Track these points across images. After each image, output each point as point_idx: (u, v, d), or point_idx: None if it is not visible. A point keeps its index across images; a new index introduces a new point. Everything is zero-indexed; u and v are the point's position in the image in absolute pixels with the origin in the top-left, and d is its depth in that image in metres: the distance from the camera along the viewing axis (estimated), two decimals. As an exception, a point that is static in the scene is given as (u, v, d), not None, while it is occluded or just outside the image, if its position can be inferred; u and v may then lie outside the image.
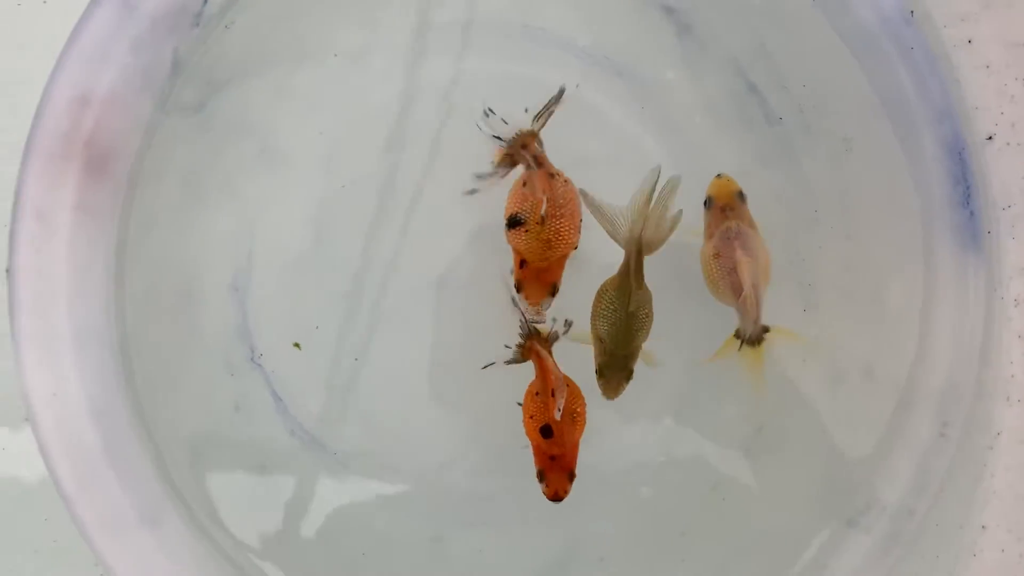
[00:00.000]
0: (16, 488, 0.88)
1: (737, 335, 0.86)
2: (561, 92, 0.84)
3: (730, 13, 0.88)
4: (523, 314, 0.84)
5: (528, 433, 0.83)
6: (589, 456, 0.91)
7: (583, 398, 0.84)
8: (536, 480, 0.84)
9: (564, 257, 0.84)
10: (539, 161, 0.82)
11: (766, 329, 0.85)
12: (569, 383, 0.83)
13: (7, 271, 0.80)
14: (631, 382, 0.85)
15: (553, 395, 0.80)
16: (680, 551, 0.90)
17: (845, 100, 0.84)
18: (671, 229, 0.83)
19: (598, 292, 0.84)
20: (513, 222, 0.82)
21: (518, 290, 0.84)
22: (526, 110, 0.83)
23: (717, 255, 0.84)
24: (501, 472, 0.90)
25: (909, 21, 0.78)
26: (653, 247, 0.83)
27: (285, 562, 0.85)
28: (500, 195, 0.85)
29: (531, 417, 0.82)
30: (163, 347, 0.84)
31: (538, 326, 0.85)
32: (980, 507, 0.78)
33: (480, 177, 0.84)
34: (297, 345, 0.90)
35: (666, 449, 0.92)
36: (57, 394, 0.69)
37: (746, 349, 0.85)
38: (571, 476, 0.83)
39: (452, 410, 0.91)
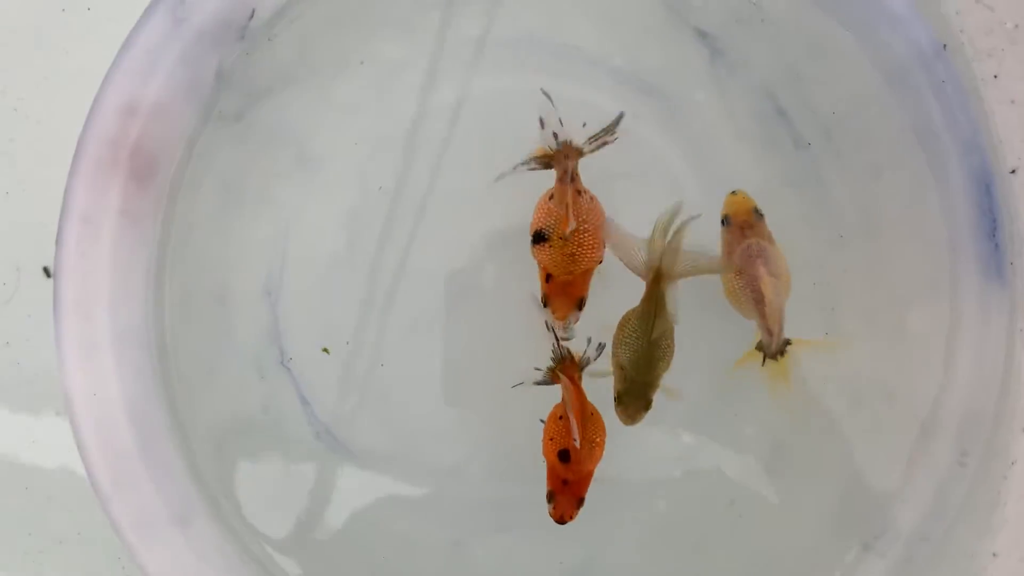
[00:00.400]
0: (43, 479, 0.90)
1: (759, 348, 0.86)
2: (619, 119, 0.84)
3: (763, 38, 0.89)
4: (556, 338, 0.85)
5: (545, 453, 0.84)
6: (607, 467, 0.91)
7: (604, 428, 0.84)
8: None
9: (589, 271, 0.85)
10: (572, 176, 0.83)
11: (788, 342, 0.86)
12: (593, 412, 0.84)
13: (43, 269, 0.82)
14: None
15: (575, 421, 0.81)
16: (695, 566, 0.91)
17: (875, 128, 0.85)
18: (695, 268, 0.83)
19: (621, 320, 0.85)
20: (538, 237, 0.83)
21: (545, 305, 0.85)
22: (584, 125, 0.84)
23: (739, 272, 0.85)
24: (522, 479, 0.91)
25: (941, 55, 0.79)
26: (673, 277, 0.83)
27: (308, 562, 0.86)
28: (527, 208, 0.86)
29: (551, 439, 0.83)
30: (197, 349, 0.86)
31: (570, 350, 0.85)
32: (993, 534, 0.79)
33: (517, 166, 0.84)
34: (326, 350, 0.92)
35: (684, 464, 0.93)
36: (97, 395, 0.71)
37: (769, 363, 0.86)
38: (580, 502, 0.84)
39: (475, 417, 0.93)
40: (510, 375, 0.91)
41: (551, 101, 0.83)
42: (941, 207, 0.82)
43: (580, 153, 0.84)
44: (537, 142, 0.85)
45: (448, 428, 0.93)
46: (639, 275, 0.84)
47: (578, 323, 0.86)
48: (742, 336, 0.88)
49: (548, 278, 0.84)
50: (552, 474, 0.84)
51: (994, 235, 0.80)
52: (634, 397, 0.84)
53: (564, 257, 0.82)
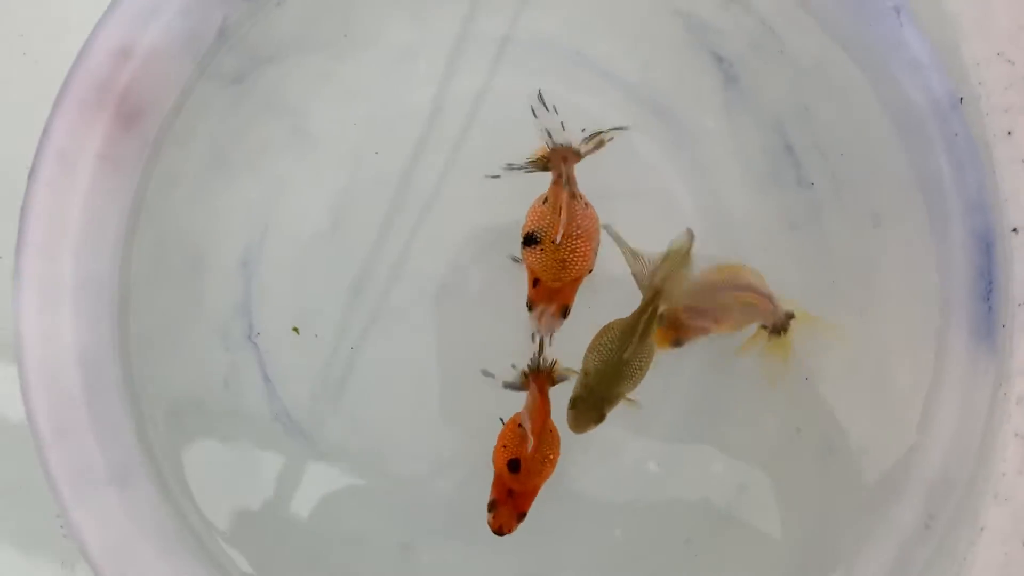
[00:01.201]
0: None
1: (763, 327, 0.85)
2: (620, 128, 0.84)
3: (779, 71, 0.87)
4: (539, 347, 0.84)
5: (495, 459, 0.82)
6: (569, 487, 0.90)
7: (558, 447, 0.83)
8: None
9: (578, 280, 0.83)
10: (568, 179, 0.82)
11: (791, 316, 0.84)
12: (552, 429, 0.82)
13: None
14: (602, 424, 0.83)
15: (531, 432, 0.80)
16: (647, 601, 0.89)
17: (881, 175, 0.83)
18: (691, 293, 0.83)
19: (604, 327, 0.83)
20: (529, 240, 0.81)
21: (530, 309, 0.83)
22: (583, 130, 0.82)
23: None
24: (479, 488, 0.88)
25: (956, 108, 0.77)
26: (672, 300, 0.82)
27: (247, 545, 0.84)
28: (518, 211, 0.84)
29: (504, 446, 0.82)
30: (163, 310, 0.84)
31: (549, 361, 0.84)
32: (961, 564, 0.77)
33: (509, 166, 0.83)
34: (296, 330, 0.90)
35: (646, 494, 0.91)
36: (50, 337, 0.68)
37: (774, 340, 0.85)
38: (521, 516, 0.82)
39: (440, 419, 0.90)
40: (482, 382, 0.89)
41: (544, 104, 0.82)
42: (938, 262, 0.80)
43: (577, 156, 0.83)
44: (537, 144, 0.83)
45: (411, 428, 0.91)
46: (639, 286, 0.82)
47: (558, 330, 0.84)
48: (723, 365, 0.86)
49: (535, 283, 0.82)
50: (498, 482, 0.82)
51: (988, 297, 0.78)
52: (588, 407, 0.82)
53: (554, 263, 0.80)
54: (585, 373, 0.82)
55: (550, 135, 0.82)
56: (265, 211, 0.89)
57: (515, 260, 0.87)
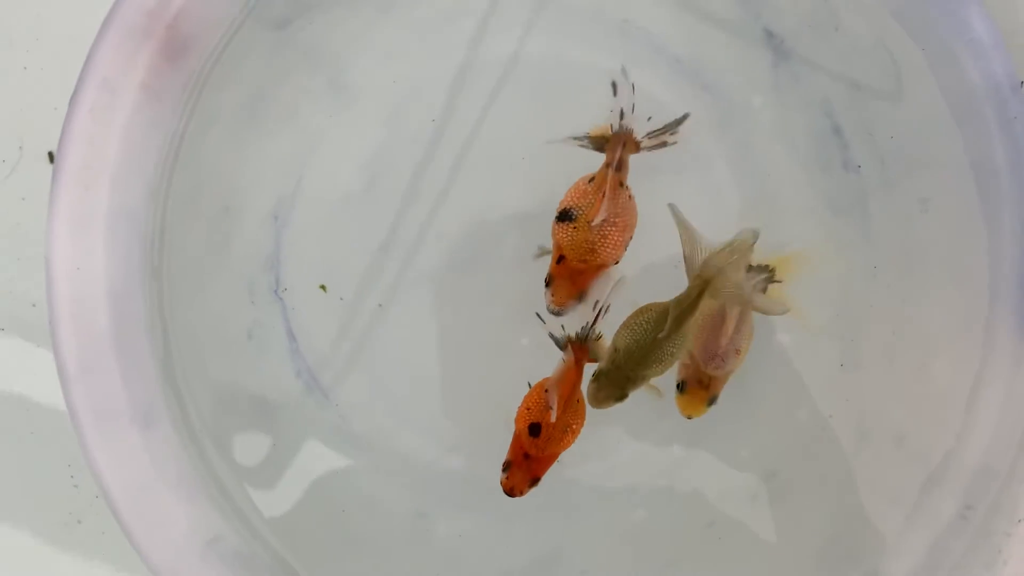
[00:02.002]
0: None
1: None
2: (682, 119, 0.82)
3: (834, 48, 0.86)
4: (554, 339, 0.82)
5: (517, 420, 0.81)
6: (590, 466, 0.89)
7: (583, 420, 0.81)
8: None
9: (603, 267, 0.81)
10: (620, 166, 0.80)
11: (769, 269, 0.83)
12: (579, 399, 0.81)
13: (48, 155, 0.78)
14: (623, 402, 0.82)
15: (557, 397, 0.78)
16: (663, 582, 0.87)
17: (932, 159, 0.81)
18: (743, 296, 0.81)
19: (641, 307, 0.82)
20: (564, 215, 0.80)
21: (547, 284, 0.82)
22: (649, 119, 0.81)
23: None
24: (499, 459, 0.87)
25: (1017, 90, 0.76)
26: (719, 295, 0.80)
27: (263, 494, 0.82)
28: (560, 187, 0.83)
29: (528, 408, 0.80)
30: (193, 253, 0.82)
31: (597, 336, 0.82)
32: (999, 556, 0.75)
33: (571, 138, 0.82)
34: (323, 287, 0.88)
35: (669, 476, 0.89)
36: (81, 269, 0.66)
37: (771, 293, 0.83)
38: (535, 481, 0.81)
39: (463, 388, 0.89)
40: (509, 351, 0.88)
41: (630, 85, 0.80)
42: (988, 251, 0.78)
43: (636, 147, 0.81)
44: (597, 120, 0.82)
45: (433, 395, 0.89)
46: (687, 272, 0.81)
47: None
48: (754, 347, 0.85)
49: (559, 259, 0.81)
50: (516, 444, 0.81)
51: (1040, 288, 0.77)
52: (611, 383, 0.81)
53: (584, 243, 0.79)
54: (615, 349, 0.81)
55: (621, 116, 0.81)
56: (299, 164, 0.87)
57: (541, 253, 0.85)
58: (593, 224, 0.78)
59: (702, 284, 0.80)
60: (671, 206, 0.80)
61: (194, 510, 0.71)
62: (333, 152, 0.88)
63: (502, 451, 0.83)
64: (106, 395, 0.67)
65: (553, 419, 0.78)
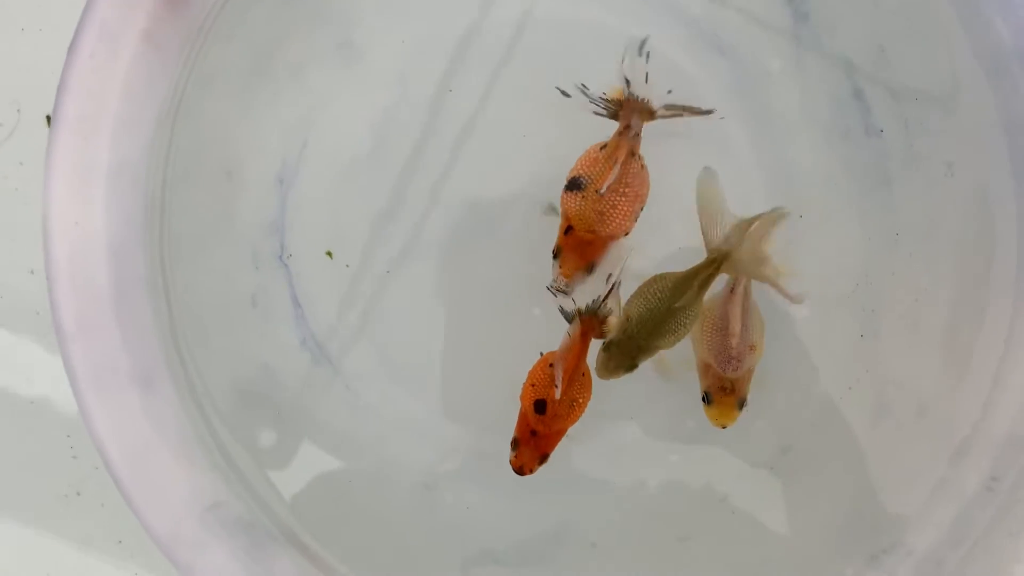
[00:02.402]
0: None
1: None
2: (706, 111, 0.80)
3: (855, 7, 0.83)
4: (563, 313, 0.80)
5: (522, 397, 0.79)
6: (601, 440, 0.86)
7: (589, 393, 0.79)
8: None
9: (612, 238, 0.79)
10: (634, 134, 0.78)
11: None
12: (584, 372, 0.79)
13: (46, 118, 0.76)
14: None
15: (562, 373, 0.76)
16: (677, 557, 0.85)
17: (960, 121, 0.79)
18: (763, 271, 0.79)
19: (654, 276, 0.79)
20: (573, 184, 0.78)
21: (555, 256, 0.79)
22: (669, 91, 0.79)
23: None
24: (506, 430, 0.85)
25: (1048, 47, 0.73)
26: (738, 269, 0.79)
27: (265, 462, 0.80)
28: (565, 151, 0.81)
29: (532, 384, 0.78)
30: (196, 215, 0.80)
31: (605, 311, 0.80)
32: (1013, 562, 0.72)
33: (583, 89, 0.79)
34: (329, 254, 0.86)
35: (683, 450, 0.87)
36: (79, 224, 0.64)
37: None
38: (544, 458, 0.79)
39: (472, 358, 0.87)
40: (517, 322, 0.86)
41: (646, 54, 0.78)
42: (1018, 215, 0.76)
43: (651, 115, 0.79)
44: (613, 84, 0.79)
45: (441, 364, 0.87)
46: (705, 243, 0.79)
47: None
48: (769, 318, 0.82)
49: (568, 230, 0.79)
50: (523, 422, 0.79)
51: (1072, 253, 0.74)
52: (622, 352, 0.79)
53: (593, 213, 0.77)
54: (627, 318, 0.78)
55: (628, 84, 0.78)
56: (304, 127, 0.85)
57: (548, 211, 0.83)
58: (601, 192, 0.76)
59: (720, 256, 0.78)
60: (707, 171, 0.78)
61: (195, 475, 0.69)
62: (339, 114, 0.85)
63: (510, 421, 0.81)
64: (105, 354, 0.65)
65: (557, 396, 0.76)
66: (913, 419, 0.80)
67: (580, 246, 0.78)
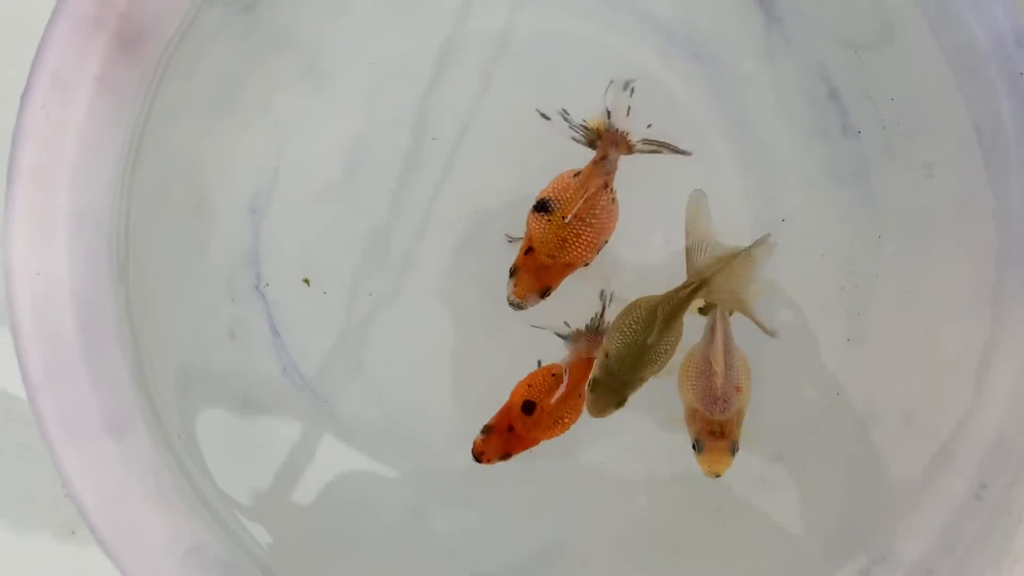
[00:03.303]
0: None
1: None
2: (686, 152, 0.79)
3: (826, 9, 0.82)
4: (601, 308, 0.80)
5: (514, 392, 0.79)
6: (592, 453, 0.86)
7: (578, 416, 0.79)
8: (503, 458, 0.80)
9: (571, 267, 0.79)
10: (608, 167, 0.77)
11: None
12: (581, 394, 0.78)
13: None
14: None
15: (563, 391, 0.77)
16: (669, 571, 0.84)
17: (935, 122, 0.78)
18: (741, 300, 0.77)
19: (629, 304, 0.78)
20: (541, 206, 0.77)
21: (511, 274, 0.79)
22: (649, 126, 0.78)
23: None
24: (494, 452, 0.84)
25: (1022, 43, 0.71)
26: (715, 296, 0.77)
27: (250, 499, 0.79)
28: (546, 170, 0.79)
29: (529, 385, 0.78)
30: (165, 253, 0.79)
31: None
32: (1009, 566, 0.71)
33: (564, 114, 0.78)
34: (307, 281, 0.85)
35: (673, 460, 0.86)
36: (42, 274, 0.63)
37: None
38: (505, 456, 0.79)
39: (457, 380, 0.86)
40: (500, 341, 0.85)
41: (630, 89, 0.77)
42: (995, 215, 0.75)
43: (629, 149, 0.78)
44: (587, 100, 0.78)
45: (424, 388, 0.86)
46: (687, 265, 0.77)
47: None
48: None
49: (528, 251, 0.78)
50: (504, 413, 0.79)
51: (1053, 251, 0.73)
52: (608, 390, 0.77)
53: (555, 238, 0.76)
54: (605, 354, 0.77)
55: (609, 115, 0.77)
56: (276, 154, 0.84)
57: (509, 240, 0.82)
58: (567, 219, 0.75)
59: (698, 282, 0.76)
60: (697, 192, 0.77)
61: (173, 519, 0.68)
62: (310, 140, 0.85)
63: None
64: (75, 404, 0.65)
65: (554, 400, 0.76)
66: (901, 425, 0.79)
67: (537, 269, 0.78)
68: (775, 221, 0.85)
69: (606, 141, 0.77)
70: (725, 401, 0.77)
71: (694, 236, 0.77)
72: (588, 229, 0.76)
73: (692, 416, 0.79)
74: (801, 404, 0.84)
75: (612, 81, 0.78)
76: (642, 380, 0.77)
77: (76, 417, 0.65)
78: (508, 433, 0.78)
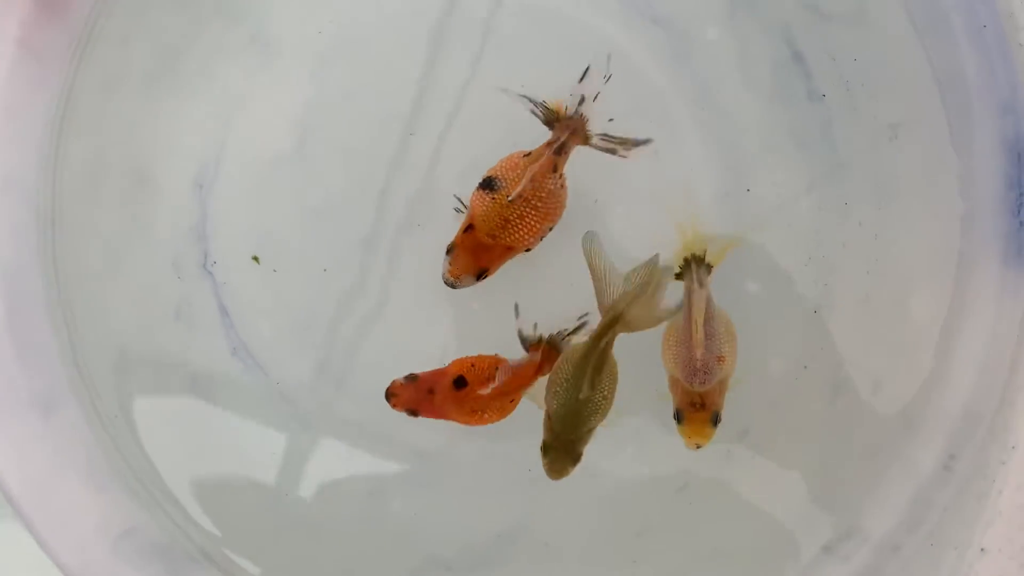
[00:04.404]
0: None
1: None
2: (644, 141, 0.76)
3: (788, -31, 0.79)
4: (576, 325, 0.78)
5: (456, 362, 0.77)
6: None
7: (502, 417, 0.77)
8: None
9: (510, 251, 0.76)
10: (562, 150, 0.74)
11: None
12: (515, 400, 0.77)
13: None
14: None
15: (500, 381, 0.75)
16: (633, 552, 0.81)
17: (899, 80, 0.75)
18: (658, 319, 0.76)
19: (556, 364, 0.75)
20: (487, 184, 0.75)
21: (448, 252, 0.76)
22: (610, 120, 0.75)
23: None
24: (454, 433, 0.82)
25: (986, -6, 0.69)
26: (632, 327, 0.74)
27: (193, 482, 0.77)
28: (503, 141, 0.78)
29: (472, 364, 0.76)
30: (102, 227, 0.77)
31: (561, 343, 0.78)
32: (982, 527, 0.69)
33: (522, 95, 0.75)
34: (256, 259, 0.83)
35: (637, 441, 0.83)
36: (-39, 243, 0.61)
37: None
38: (413, 414, 0.76)
39: (412, 358, 0.82)
40: (458, 316, 0.82)
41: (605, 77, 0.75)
42: (960, 176, 0.72)
43: (585, 139, 0.76)
44: (560, 91, 0.75)
45: (380, 366, 0.82)
46: (599, 305, 0.74)
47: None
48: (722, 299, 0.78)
49: (468, 228, 0.76)
50: (435, 376, 0.77)
51: (1020, 211, 0.70)
52: (560, 452, 0.75)
53: (497, 218, 0.74)
54: (548, 417, 0.75)
55: (581, 102, 0.75)
56: (222, 127, 0.82)
57: (458, 209, 0.79)
58: (509, 199, 0.73)
59: (612, 319, 0.73)
60: (590, 234, 0.74)
61: (106, 501, 0.66)
62: (258, 112, 0.82)
63: (455, 424, 0.78)
64: (1, 379, 0.62)
65: (484, 392, 0.74)
66: (869, 396, 0.77)
67: (476, 248, 0.76)
68: (740, 191, 0.82)
69: (562, 125, 0.75)
70: (705, 372, 0.75)
71: (597, 276, 0.74)
72: (533, 212, 0.74)
73: (674, 385, 0.78)
74: (768, 377, 0.82)
75: (587, 69, 0.75)
76: (590, 432, 0.75)
77: (1, 393, 0.62)
78: (427, 394, 0.76)
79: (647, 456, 0.83)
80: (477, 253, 0.75)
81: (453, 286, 0.76)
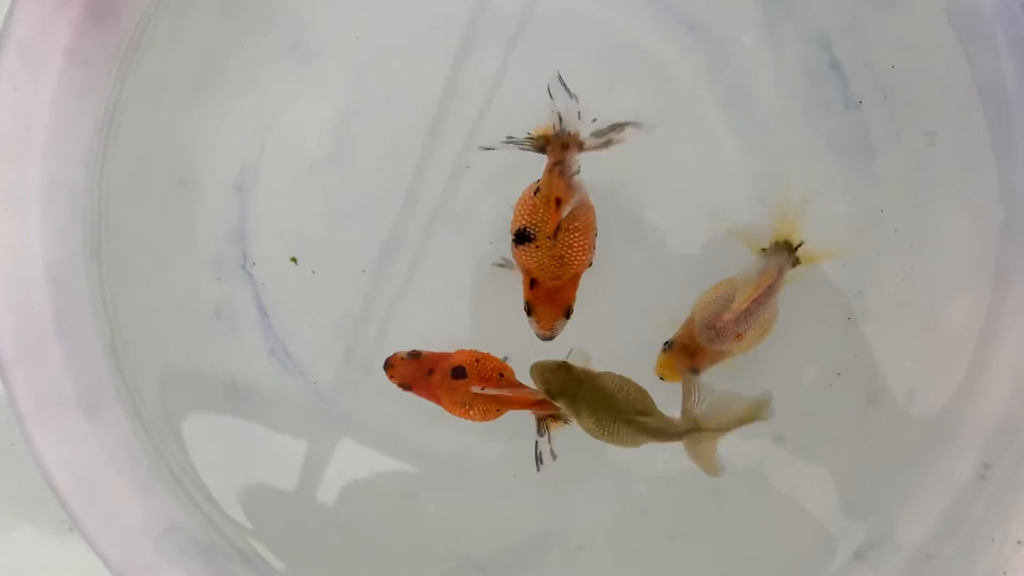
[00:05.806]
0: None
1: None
2: (632, 124, 0.75)
3: (825, -26, 0.79)
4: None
5: (462, 352, 0.78)
6: (587, 438, 0.83)
7: (485, 419, 0.78)
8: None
9: (578, 276, 0.76)
10: (564, 168, 0.74)
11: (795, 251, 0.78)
12: (500, 410, 0.78)
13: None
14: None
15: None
16: (665, 556, 0.82)
17: (937, 90, 0.75)
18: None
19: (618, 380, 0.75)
20: (522, 237, 0.74)
21: (528, 313, 0.77)
22: (594, 120, 0.74)
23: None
24: (491, 437, 0.83)
25: (1027, 6, 0.68)
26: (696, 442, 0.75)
27: (232, 482, 0.78)
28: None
29: (477, 359, 0.77)
30: (146, 232, 0.78)
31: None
32: (1012, 548, 0.68)
33: (508, 139, 0.75)
34: (295, 260, 0.84)
35: (670, 445, 0.83)
36: (13, 246, 0.62)
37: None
38: (405, 388, 0.78)
39: (448, 360, 0.84)
40: (495, 318, 0.83)
41: (565, 87, 0.74)
42: (1000, 186, 0.72)
43: (580, 147, 0.75)
44: (541, 119, 0.75)
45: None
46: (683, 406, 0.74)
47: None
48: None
49: (532, 283, 0.76)
50: (438, 358, 0.78)
51: (1058, 222, 0.70)
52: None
53: (551, 260, 0.74)
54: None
55: (561, 120, 0.74)
56: (261, 131, 0.83)
57: (503, 265, 0.80)
58: (552, 238, 0.73)
59: (693, 427, 0.73)
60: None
61: (149, 498, 0.67)
62: (297, 116, 0.83)
63: (493, 425, 0.79)
64: (48, 381, 0.63)
65: (478, 390, 0.75)
66: (903, 404, 0.77)
67: (550, 295, 0.76)
68: (775, 197, 0.82)
69: (554, 146, 0.74)
70: (718, 334, 0.75)
71: (687, 397, 0.74)
72: (577, 235, 0.74)
73: (687, 322, 0.78)
74: (802, 385, 0.82)
75: (549, 85, 0.74)
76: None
77: (48, 394, 0.64)
78: (426, 374, 0.77)
79: (680, 460, 0.83)
80: (553, 299, 0.76)
81: (551, 338, 0.76)
